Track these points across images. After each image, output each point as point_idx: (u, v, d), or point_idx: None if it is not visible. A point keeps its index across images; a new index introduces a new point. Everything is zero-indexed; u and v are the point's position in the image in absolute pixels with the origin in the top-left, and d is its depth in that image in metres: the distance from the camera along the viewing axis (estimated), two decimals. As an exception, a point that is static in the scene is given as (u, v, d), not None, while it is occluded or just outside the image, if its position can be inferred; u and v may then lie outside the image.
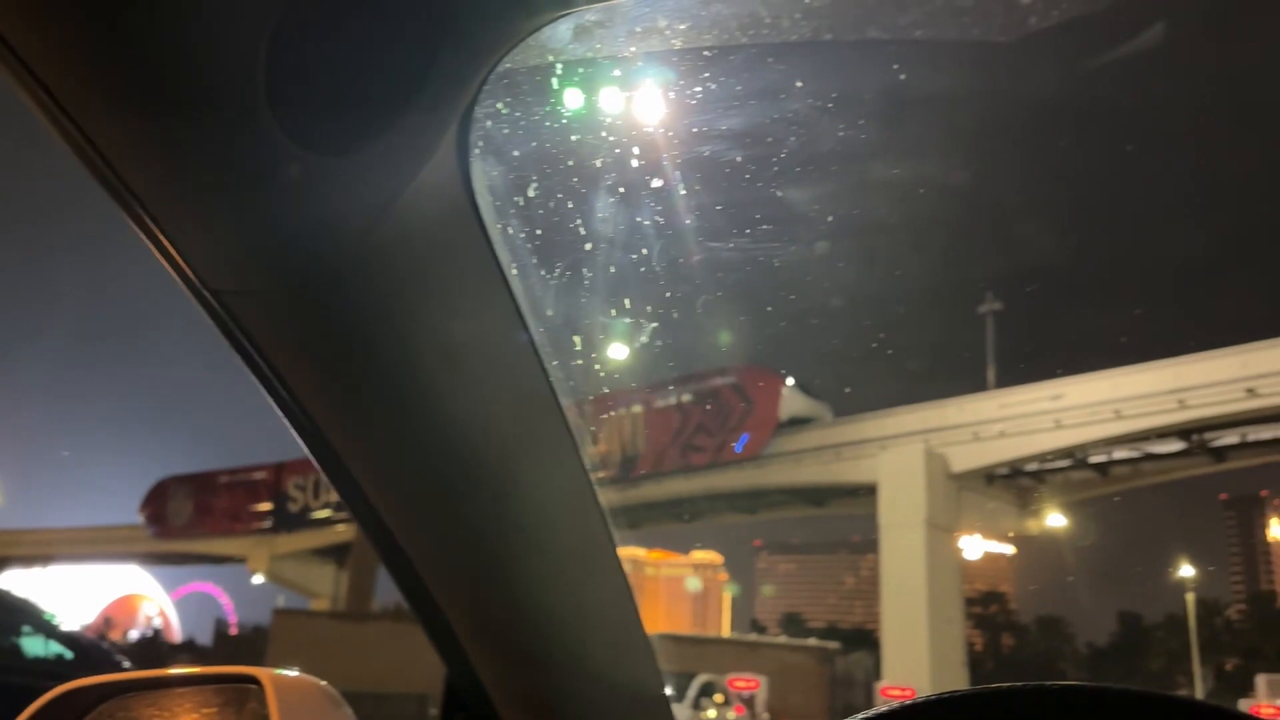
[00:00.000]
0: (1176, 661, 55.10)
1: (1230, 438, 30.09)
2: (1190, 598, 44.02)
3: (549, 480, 1.21)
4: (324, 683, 1.24)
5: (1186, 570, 46.19)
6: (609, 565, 1.30)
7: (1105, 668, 63.31)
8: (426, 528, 1.18)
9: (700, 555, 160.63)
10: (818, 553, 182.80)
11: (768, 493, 38.89)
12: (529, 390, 1.14)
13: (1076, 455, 31.98)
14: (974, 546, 38.63)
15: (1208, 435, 29.96)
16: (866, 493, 33.39)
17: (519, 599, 1.23)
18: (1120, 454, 32.36)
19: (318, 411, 1.06)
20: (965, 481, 32.28)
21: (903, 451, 32.04)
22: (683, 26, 0.97)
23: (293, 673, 1.20)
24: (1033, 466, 33.58)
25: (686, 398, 37.27)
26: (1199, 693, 48.73)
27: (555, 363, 1.20)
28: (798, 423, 35.88)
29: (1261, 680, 28.37)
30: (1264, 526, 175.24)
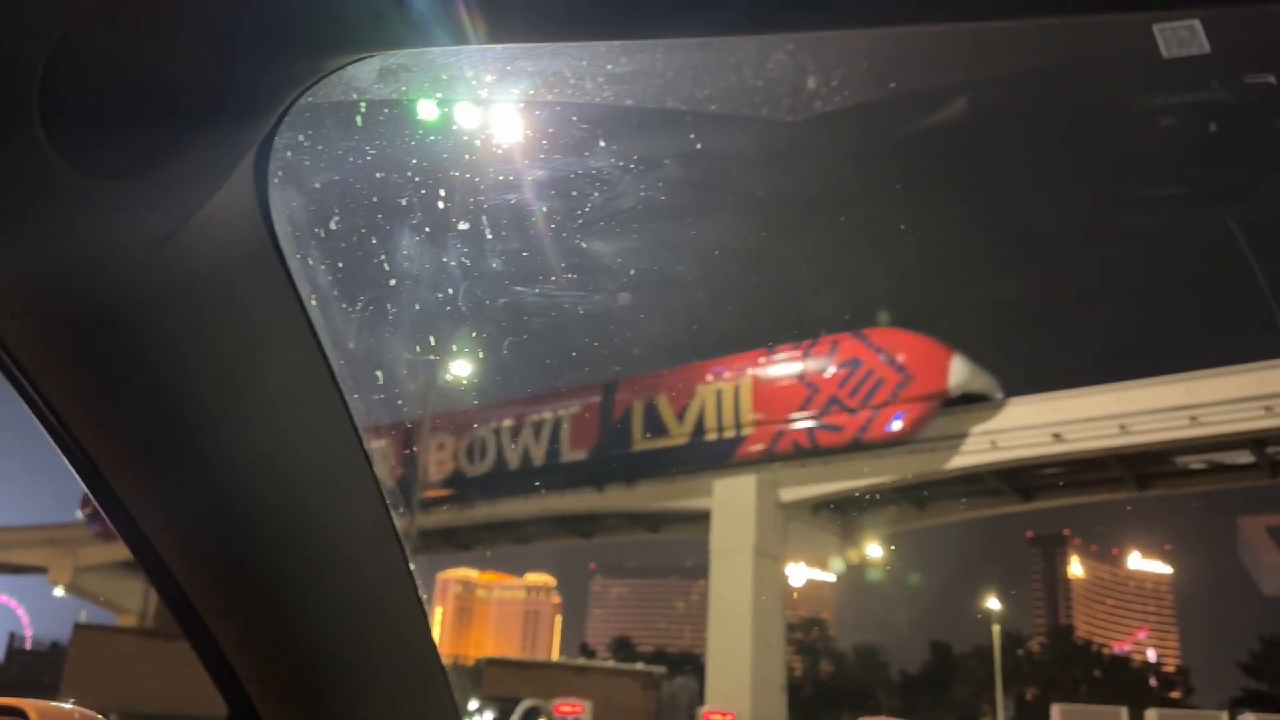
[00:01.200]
0: (982, 690, 58.18)
1: (1037, 480, 32.23)
2: (996, 629, 46.63)
3: (341, 510, 1.19)
4: (98, 716, 1.19)
5: (994, 603, 48.99)
6: (403, 594, 1.29)
7: (916, 695, 66.26)
8: (206, 559, 1.15)
9: (534, 578, 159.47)
10: (651, 577, 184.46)
11: (605, 517, 39.09)
12: (325, 420, 1.13)
13: (898, 488, 33.55)
14: (798, 574, 39.89)
15: (1020, 476, 31.97)
16: (700, 519, 33.99)
17: (303, 630, 1.20)
18: (936, 491, 34.13)
19: (90, 439, 1.03)
20: (793, 511, 33.31)
21: (737, 481, 32.81)
22: (489, 79, 0.99)
23: (66, 705, 1.15)
24: (856, 498, 35.02)
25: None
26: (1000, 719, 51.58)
27: (356, 396, 1.19)
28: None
29: (1056, 710, 30.26)
30: (1064, 564, 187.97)
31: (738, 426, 32.91)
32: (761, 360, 33.31)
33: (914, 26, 0.72)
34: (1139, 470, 29.97)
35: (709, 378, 33.83)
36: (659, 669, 39.57)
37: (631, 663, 48.65)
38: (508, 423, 37.48)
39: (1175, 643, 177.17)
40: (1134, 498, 32.48)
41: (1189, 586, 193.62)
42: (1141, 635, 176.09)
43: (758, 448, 32.79)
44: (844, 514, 36.25)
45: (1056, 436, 27.94)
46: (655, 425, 34.46)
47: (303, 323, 1.06)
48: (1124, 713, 28.35)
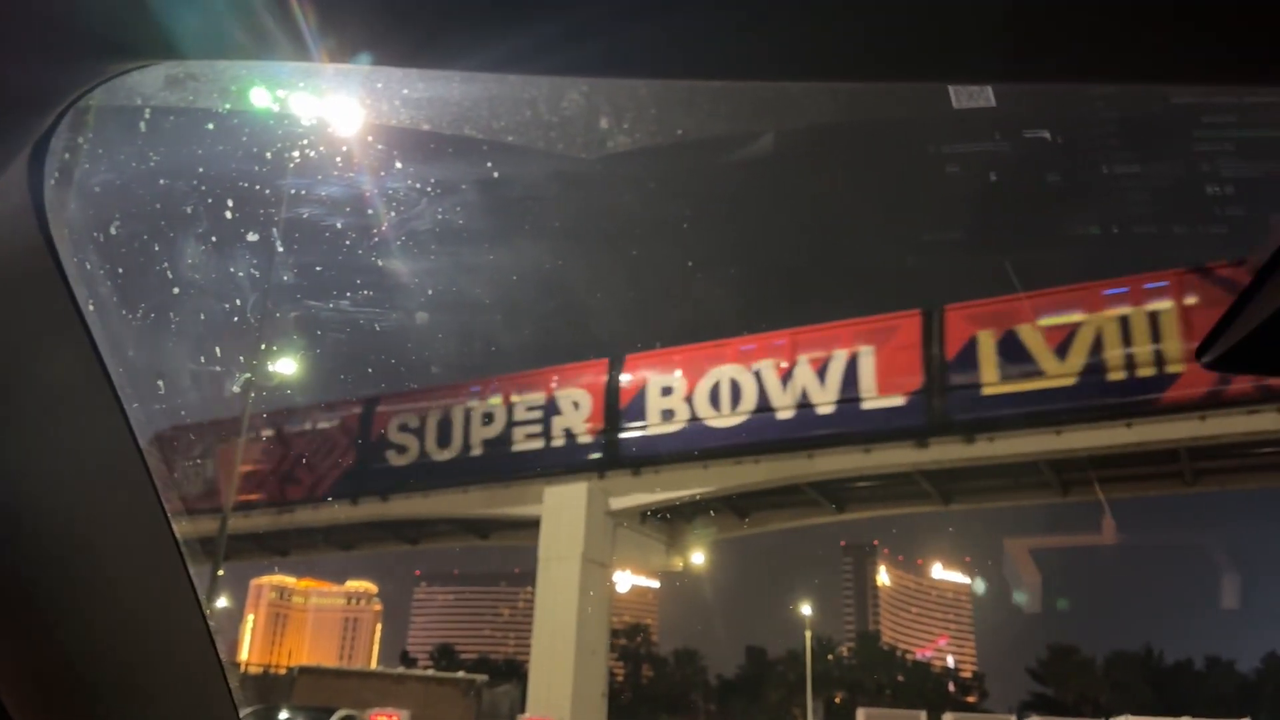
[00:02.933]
0: (794, 694, 60.34)
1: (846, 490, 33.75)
2: (809, 635, 48.47)
3: (112, 518, 1.17)
4: None
5: (807, 610, 50.90)
6: (180, 602, 1.27)
7: (731, 698, 68.07)
8: None
9: (355, 585, 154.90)
10: (478, 584, 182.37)
11: (432, 523, 38.39)
12: (99, 427, 1.10)
13: (721, 497, 34.42)
14: (625, 581, 40.31)
15: (834, 488, 33.38)
16: (530, 526, 33.86)
17: (67, 642, 1.17)
18: (759, 499, 35.24)
19: None
20: (622, 518, 33.65)
21: (567, 488, 32.87)
22: (281, 93, 0.98)
23: None
24: (682, 506, 35.73)
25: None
26: (809, 722, 53.56)
27: (136, 405, 1.16)
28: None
29: (861, 714, 31.72)
30: (874, 572, 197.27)
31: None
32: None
33: (698, 81, 0.77)
34: (943, 486, 31.81)
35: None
36: (480, 677, 39.17)
37: (453, 671, 47.94)
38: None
39: (972, 649, 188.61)
40: (939, 511, 34.42)
41: (986, 596, 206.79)
42: (942, 642, 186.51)
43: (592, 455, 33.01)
44: (671, 522, 36.91)
45: (867, 451, 29.30)
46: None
47: (78, 327, 1.03)
48: (923, 716, 29.98)
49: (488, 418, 34.19)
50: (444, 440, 34.67)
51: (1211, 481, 29.74)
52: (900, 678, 74.86)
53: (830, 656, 73.30)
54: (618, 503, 32.80)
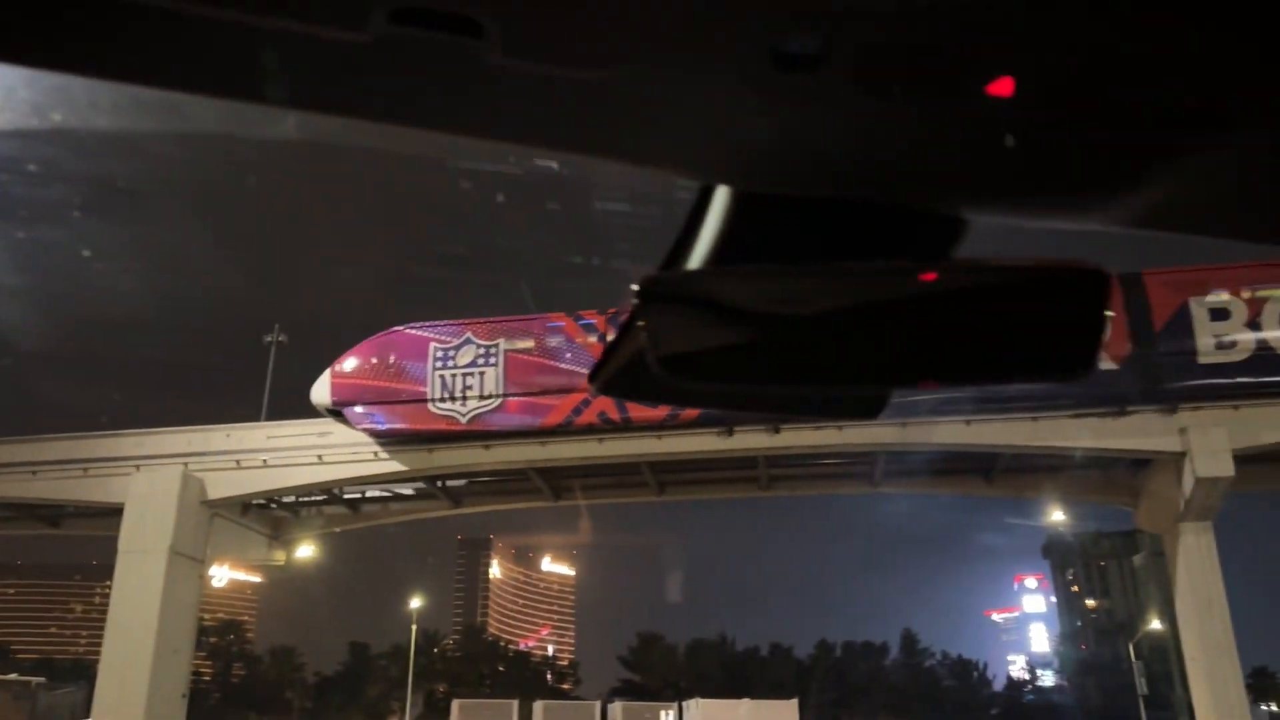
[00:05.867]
0: (395, 688, 59.85)
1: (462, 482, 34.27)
2: (414, 629, 48.39)
3: None
4: None
5: (416, 603, 50.82)
6: None
7: (330, 695, 66.14)
8: None
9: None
10: (49, 577, 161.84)
11: (-12, 506, 33.76)
12: None
13: (333, 490, 33.54)
14: (220, 575, 37.92)
15: (450, 482, 33.71)
16: (112, 514, 30.86)
17: None
18: (373, 492, 34.73)
19: None
20: (220, 509, 31.70)
21: (159, 474, 30.40)
22: None
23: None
24: (290, 498, 34.34)
25: None
26: (408, 717, 53.42)
27: None
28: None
29: (456, 705, 32.23)
30: (487, 565, 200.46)
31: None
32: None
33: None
34: (553, 482, 33.31)
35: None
36: (38, 679, 35.00)
37: (8, 673, 42.44)
38: None
39: (573, 639, 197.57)
40: (550, 506, 35.95)
41: (587, 587, 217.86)
42: (544, 632, 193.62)
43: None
44: (275, 513, 35.33)
45: (486, 448, 30.02)
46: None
47: None
48: (515, 706, 31.11)
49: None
50: None
51: (782, 488, 33.76)
52: (501, 668, 76.80)
53: (435, 650, 73.58)
54: (216, 491, 30.88)
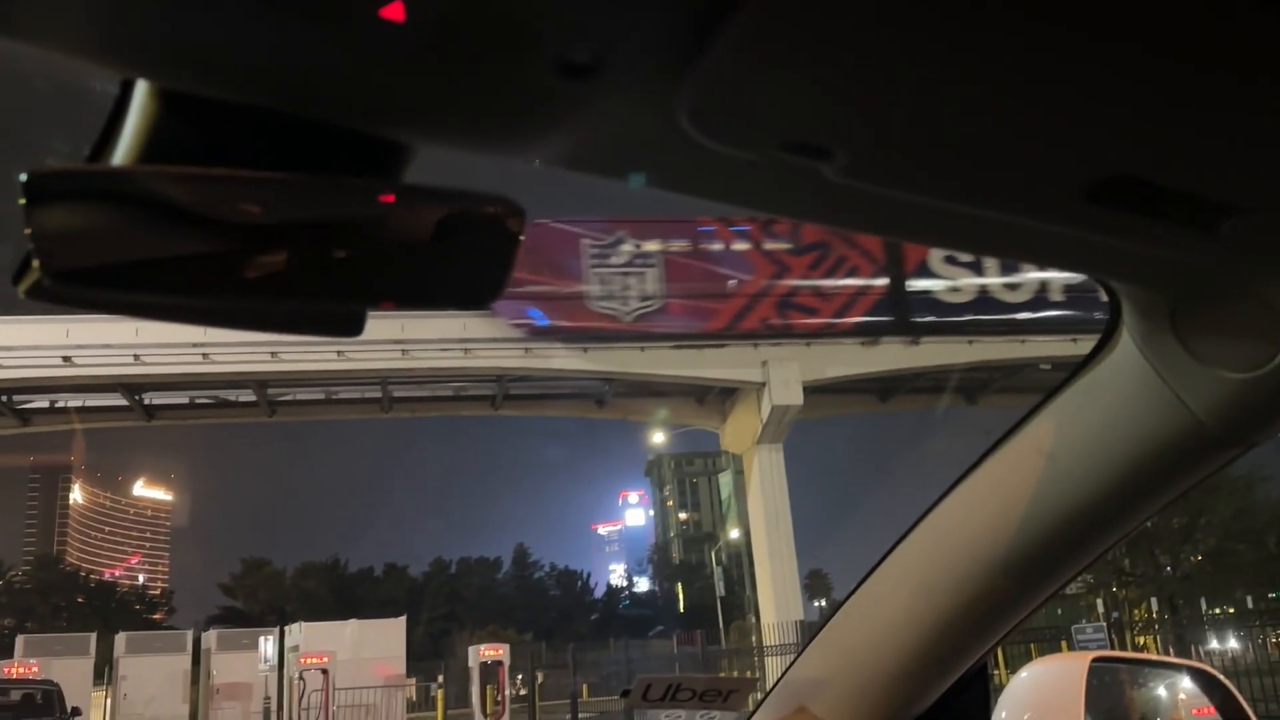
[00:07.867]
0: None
1: (42, 402, 30.51)
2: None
3: None
4: None
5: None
6: None
7: None
8: None
9: None
10: None
11: None
12: None
13: None
14: None
15: (18, 398, 29.81)
16: None
17: None
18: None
19: None
20: None
21: None
22: None
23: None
24: None
25: None
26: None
27: None
28: None
29: (20, 640, 28.98)
30: (66, 491, 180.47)
31: None
32: None
33: None
34: (147, 403, 30.62)
35: None
36: None
37: None
38: None
39: (167, 567, 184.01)
40: (144, 426, 32.98)
41: (185, 512, 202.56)
42: (134, 561, 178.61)
43: None
44: None
45: (67, 360, 26.89)
46: None
47: None
48: (92, 639, 28.60)
49: None
50: None
51: (403, 409, 33.49)
52: (80, 600, 70.16)
53: (1, 581, 65.87)
54: None
